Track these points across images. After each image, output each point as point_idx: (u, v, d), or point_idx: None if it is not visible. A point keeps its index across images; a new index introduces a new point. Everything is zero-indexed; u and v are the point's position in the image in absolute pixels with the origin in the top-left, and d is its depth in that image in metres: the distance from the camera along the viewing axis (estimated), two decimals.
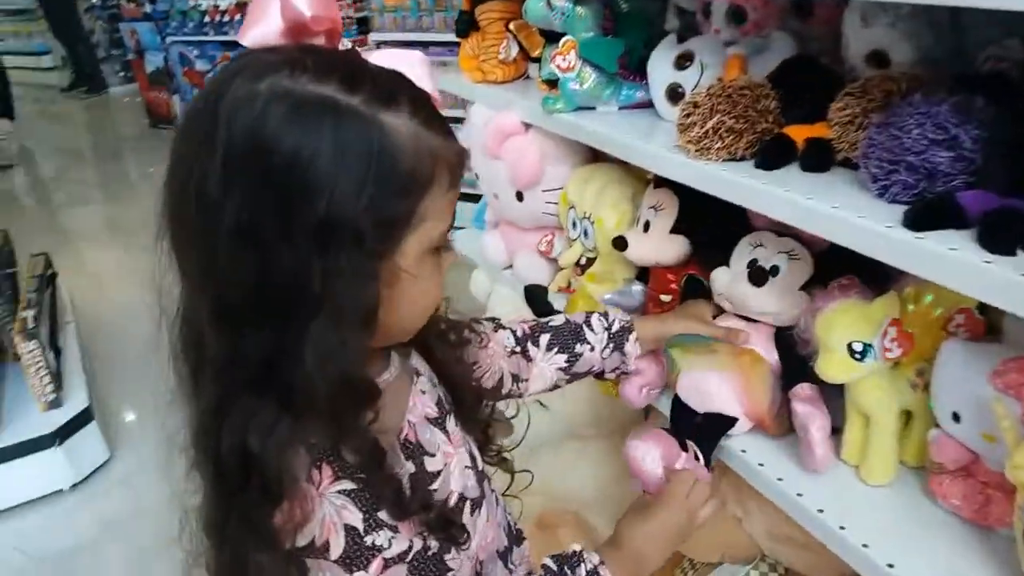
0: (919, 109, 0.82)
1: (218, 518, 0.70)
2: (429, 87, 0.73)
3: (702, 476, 0.99)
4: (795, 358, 1.02)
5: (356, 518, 0.70)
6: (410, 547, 0.73)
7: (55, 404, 2.41)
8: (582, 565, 0.85)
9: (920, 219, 0.76)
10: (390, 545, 0.71)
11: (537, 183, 1.45)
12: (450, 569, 0.77)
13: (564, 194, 1.42)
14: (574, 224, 1.39)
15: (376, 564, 0.71)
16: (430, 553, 0.75)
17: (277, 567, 0.68)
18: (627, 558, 0.89)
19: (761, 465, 1.03)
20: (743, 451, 1.05)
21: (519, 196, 1.48)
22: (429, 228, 0.70)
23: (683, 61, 1.17)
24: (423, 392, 0.85)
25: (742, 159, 1.00)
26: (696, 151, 1.01)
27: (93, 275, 3.86)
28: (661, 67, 1.20)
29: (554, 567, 0.85)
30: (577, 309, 1.25)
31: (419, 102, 0.69)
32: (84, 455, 2.40)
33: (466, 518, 0.84)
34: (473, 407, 0.94)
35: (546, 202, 1.46)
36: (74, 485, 2.39)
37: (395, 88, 0.68)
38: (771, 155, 0.97)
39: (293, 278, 0.64)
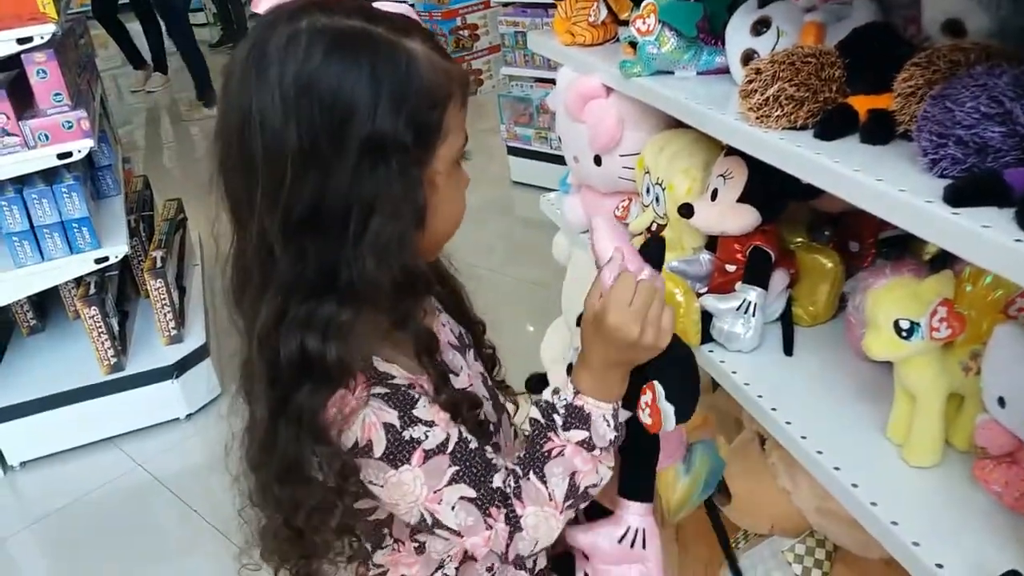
0: (977, 81, 0.79)
1: (268, 426, 0.78)
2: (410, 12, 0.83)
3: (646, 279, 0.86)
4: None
5: (392, 416, 0.78)
6: (448, 438, 0.79)
7: (176, 339, 2.62)
8: (560, 402, 0.85)
9: (961, 195, 0.74)
10: (427, 438, 0.78)
11: (615, 147, 1.46)
12: (494, 466, 0.82)
13: (641, 159, 1.42)
14: (647, 190, 1.40)
15: (417, 456, 0.78)
16: (472, 446, 0.81)
17: (331, 460, 0.77)
18: (595, 376, 0.85)
19: (804, 438, 1.02)
20: (788, 423, 1.05)
21: (597, 160, 1.50)
22: (452, 140, 0.80)
23: (760, 27, 1.15)
24: (444, 325, 0.93)
25: (803, 128, 0.99)
26: (756, 118, 1.00)
27: (223, 222, 4.11)
28: (738, 32, 1.18)
29: (541, 418, 0.85)
30: None
31: (426, 33, 0.80)
32: (198, 388, 2.61)
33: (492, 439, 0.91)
34: (477, 337, 1.01)
35: (623, 167, 1.47)
36: (188, 415, 2.60)
37: (406, 22, 0.79)
38: (830, 125, 0.95)
39: (350, 188, 0.73)
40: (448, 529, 0.81)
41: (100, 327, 2.43)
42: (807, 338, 1.23)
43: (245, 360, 0.82)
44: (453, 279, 1.00)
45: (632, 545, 0.95)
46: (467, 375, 0.91)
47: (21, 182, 2.28)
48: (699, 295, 1.25)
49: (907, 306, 0.91)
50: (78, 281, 2.52)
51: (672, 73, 1.30)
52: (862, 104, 0.95)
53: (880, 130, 0.92)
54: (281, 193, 0.73)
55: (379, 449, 0.77)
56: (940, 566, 0.82)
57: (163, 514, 2.32)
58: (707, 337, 1.24)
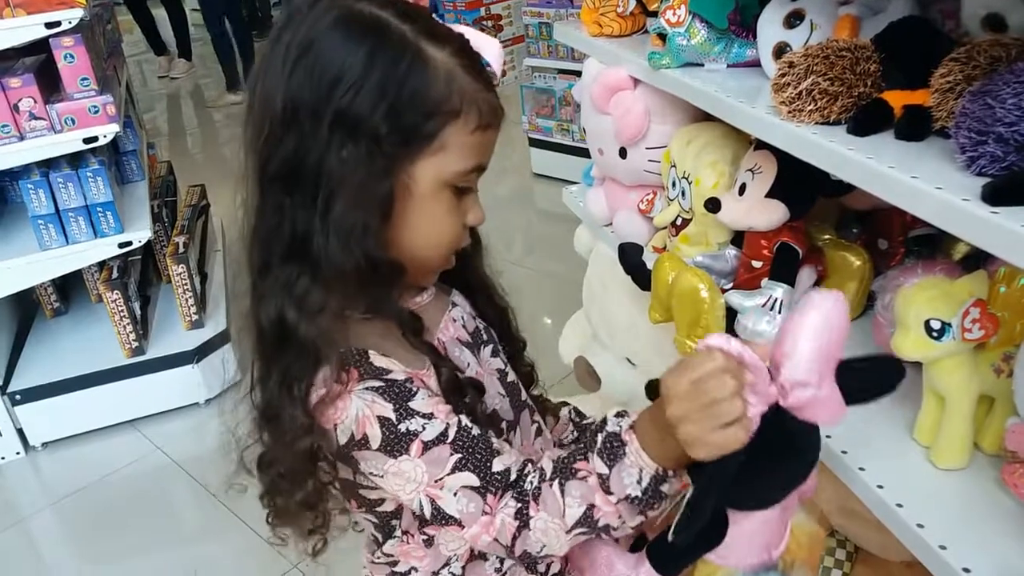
0: (1019, 77, 0.77)
1: (262, 373, 0.80)
2: (496, 67, 0.83)
3: (817, 414, 0.71)
4: None
5: (387, 409, 0.77)
6: (447, 428, 0.78)
7: (197, 324, 2.64)
8: (612, 426, 0.77)
9: (1000, 193, 0.73)
10: (424, 429, 0.77)
11: (641, 140, 1.45)
12: (497, 451, 0.79)
13: (667, 152, 1.41)
14: (673, 183, 1.39)
15: (416, 446, 0.77)
16: (474, 433, 0.79)
17: (304, 426, 0.77)
18: (655, 428, 0.74)
19: (828, 437, 1.01)
20: None
21: (623, 153, 1.49)
22: (449, 159, 0.78)
23: (793, 19, 1.14)
24: (455, 320, 0.91)
25: (836, 123, 0.97)
26: (788, 112, 0.99)
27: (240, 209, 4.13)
28: (770, 25, 1.17)
29: (589, 432, 0.80)
30: (664, 271, 1.26)
31: (468, 53, 0.79)
32: (218, 374, 2.62)
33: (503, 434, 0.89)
34: (516, 354, 1.00)
35: (649, 160, 1.46)
36: (208, 400, 2.61)
37: (449, 35, 0.78)
38: (864, 121, 0.94)
39: (320, 157, 0.74)
40: (449, 518, 0.78)
41: (122, 311, 2.45)
42: None
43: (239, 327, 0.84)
44: (498, 295, 1.00)
45: None
46: (475, 371, 0.89)
47: (47, 165, 2.29)
48: (724, 291, 1.24)
49: (938, 306, 0.89)
50: (101, 265, 2.53)
51: (702, 65, 1.29)
52: (897, 100, 0.94)
53: (916, 126, 0.90)
54: (259, 142, 0.76)
55: (375, 442, 0.77)
56: (967, 571, 0.81)
57: (181, 497, 2.34)
58: (731, 334, 1.22)
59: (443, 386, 0.82)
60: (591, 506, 0.75)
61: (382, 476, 0.79)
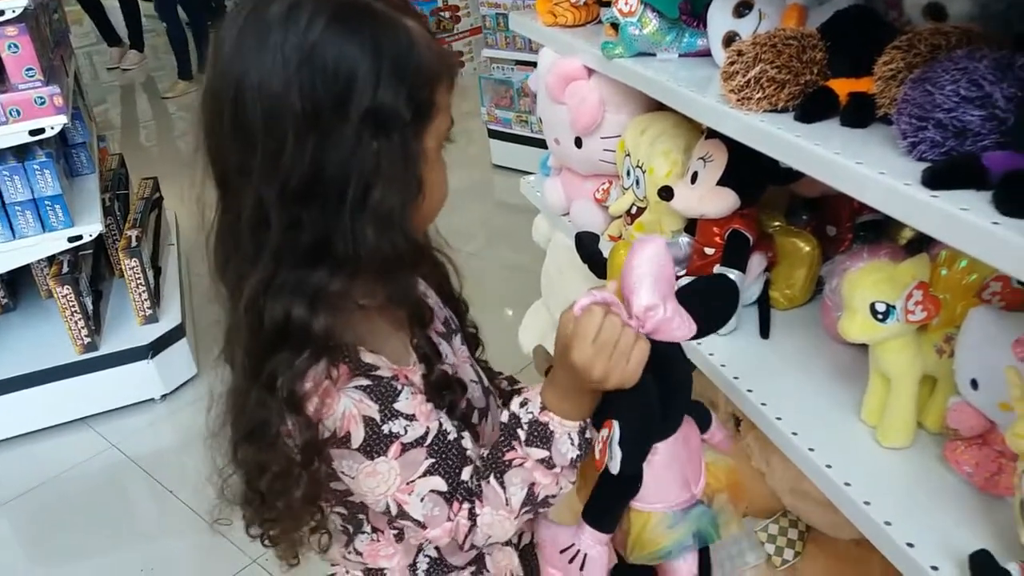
0: (957, 64, 0.79)
1: (243, 387, 0.78)
2: None
3: (670, 331, 0.80)
4: None
5: (373, 409, 0.77)
6: (427, 432, 0.79)
7: (151, 319, 2.59)
8: (526, 415, 0.82)
9: (939, 178, 0.75)
10: (406, 432, 0.78)
11: (596, 129, 1.46)
12: (468, 458, 0.82)
13: (622, 142, 1.42)
14: (628, 172, 1.40)
15: (394, 448, 0.78)
16: (450, 438, 0.81)
17: (302, 431, 0.76)
18: (562, 396, 0.82)
19: (779, 419, 1.03)
20: (763, 404, 1.06)
21: (578, 142, 1.49)
22: (442, 120, 0.80)
23: (742, 8, 1.15)
24: (431, 308, 0.90)
25: (784, 111, 0.99)
26: (737, 100, 1.00)
27: (199, 201, 4.07)
28: (720, 14, 1.18)
29: (507, 426, 0.83)
30: (619, 259, 1.27)
31: (419, 16, 0.80)
32: (174, 369, 2.58)
33: (476, 426, 0.90)
34: (460, 315, 1.01)
35: (604, 149, 1.47)
36: (163, 396, 2.57)
37: (404, 3, 0.80)
38: (811, 108, 0.96)
39: (350, 158, 0.73)
40: (412, 520, 0.81)
41: (73, 306, 2.40)
42: (784, 321, 1.24)
43: (229, 327, 0.81)
44: (438, 254, 0.98)
45: (571, 562, 0.91)
46: (452, 362, 0.90)
47: None
48: (678, 278, 1.25)
49: (883, 289, 0.91)
50: (51, 260, 2.48)
51: (654, 55, 1.29)
52: (843, 87, 0.96)
53: (860, 113, 0.92)
54: (280, 160, 0.73)
55: (356, 441, 0.77)
56: (911, 545, 0.83)
57: (137, 495, 2.30)
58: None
59: (431, 383, 0.82)
60: (532, 484, 0.81)
61: (354, 476, 0.79)
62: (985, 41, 0.84)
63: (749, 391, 1.08)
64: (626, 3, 1.26)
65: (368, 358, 0.78)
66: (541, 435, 0.81)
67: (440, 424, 0.81)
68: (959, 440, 0.90)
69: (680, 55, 1.29)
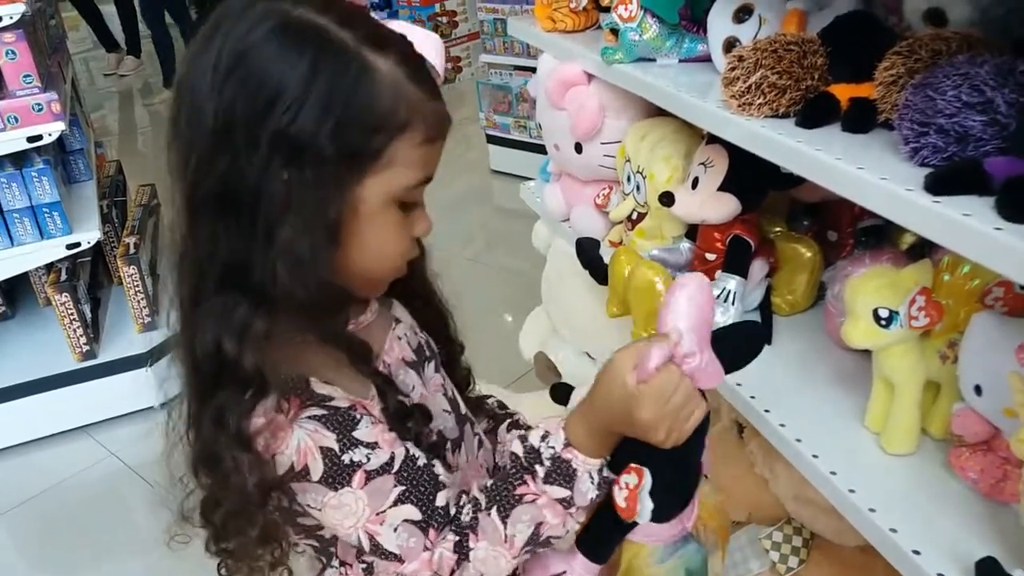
0: (959, 70, 0.79)
1: (197, 410, 0.75)
2: (437, 65, 0.77)
3: (703, 380, 0.78)
4: None
5: (330, 439, 0.73)
6: (392, 458, 0.75)
7: (150, 327, 2.58)
8: (548, 450, 0.78)
9: (941, 183, 0.75)
10: (368, 460, 0.74)
11: (596, 135, 1.45)
12: (441, 483, 0.78)
13: (622, 147, 1.42)
14: (628, 178, 1.40)
15: (359, 478, 0.73)
16: (420, 463, 0.77)
17: (252, 469, 0.72)
18: (593, 435, 0.78)
19: (783, 426, 1.03)
20: (767, 411, 1.06)
21: (578, 148, 1.49)
22: (396, 175, 0.73)
23: (742, 14, 1.15)
24: (400, 338, 0.87)
25: (785, 116, 0.99)
26: (738, 106, 1.00)
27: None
28: (720, 20, 1.18)
29: (522, 459, 0.78)
30: (620, 265, 1.26)
31: (411, 59, 0.73)
32: (173, 377, 2.57)
33: (447, 457, 0.86)
34: (454, 357, 0.98)
35: (604, 155, 1.47)
36: (163, 404, 2.55)
37: (391, 39, 0.73)
38: (812, 113, 0.96)
39: (258, 181, 0.69)
40: (389, 554, 0.76)
41: (72, 314, 2.39)
42: (786, 327, 1.24)
43: (172, 342, 0.78)
44: (438, 301, 0.95)
45: None
46: (420, 393, 0.86)
47: None
48: None
49: (886, 295, 0.91)
50: (49, 267, 2.47)
51: (654, 60, 1.29)
52: (844, 92, 0.96)
53: (861, 118, 0.92)
54: (193, 165, 0.70)
55: (316, 473, 0.73)
56: (917, 552, 0.83)
57: (137, 503, 2.29)
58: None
59: (389, 414, 0.78)
60: (540, 524, 0.77)
61: (320, 509, 0.76)
62: (985, 47, 0.84)
63: (752, 397, 1.08)
64: (626, 8, 1.26)
65: (322, 389, 0.75)
66: (564, 473, 0.76)
67: (407, 450, 0.77)
68: (964, 446, 0.90)
69: (680, 60, 1.29)
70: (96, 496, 2.31)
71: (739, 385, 1.11)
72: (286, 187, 0.69)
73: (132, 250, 2.54)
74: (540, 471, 0.77)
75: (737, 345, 0.84)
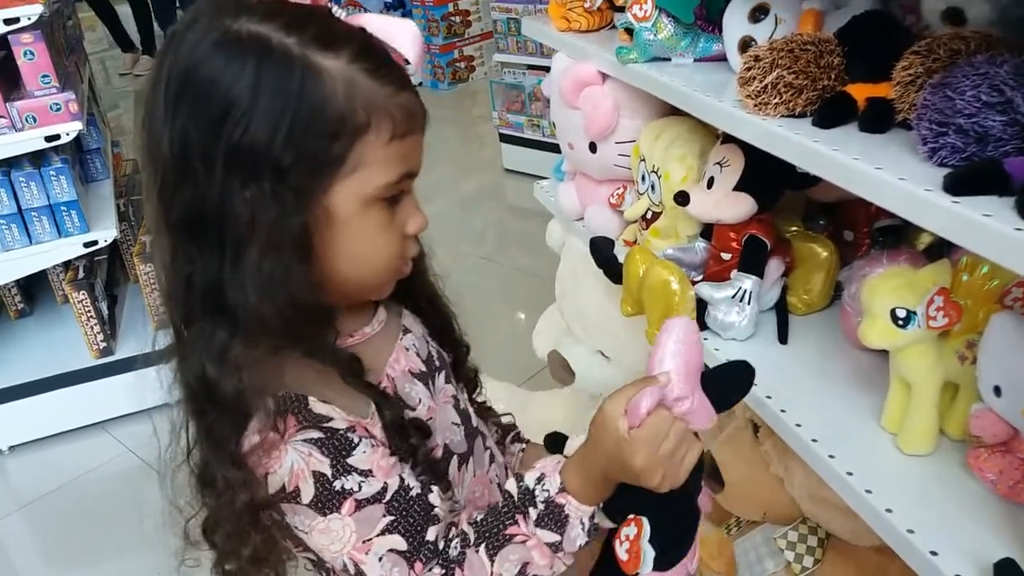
0: (978, 70, 0.78)
1: (197, 432, 0.75)
2: (412, 55, 0.75)
3: (695, 421, 0.78)
4: None
5: (324, 464, 0.72)
6: (385, 488, 0.74)
7: (166, 324, 2.60)
8: (542, 494, 0.78)
9: (961, 184, 0.74)
10: (360, 488, 0.73)
11: (611, 134, 1.45)
12: (434, 517, 0.77)
13: (636, 147, 1.42)
14: (643, 177, 1.40)
15: (348, 505, 0.73)
16: (412, 494, 0.75)
17: (242, 488, 0.72)
18: (588, 482, 0.78)
19: (799, 426, 1.03)
20: (782, 411, 1.05)
21: (592, 147, 1.49)
22: (369, 176, 0.71)
23: (758, 13, 1.15)
24: (407, 349, 0.86)
25: (801, 116, 0.98)
26: (755, 106, 1.00)
27: None
28: (736, 19, 1.18)
29: (516, 498, 0.78)
30: (635, 264, 1.26)
31: (368, 53, 0.71)
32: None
33: (452, 471, 0.86)
34: (460, 359, 0.97)
35: (619, 154, 1.47)
36: (179, 400, 2.57)
37: (342, 36, 0.70)
38: (829, 113, 0.95)
39: (221, 203, 0.68)
40: None
41: (89, 311, 2.42)
42: (801, 326, 1.23)
43: (170, 352, 0.77)
44: (442, 302, 0.95)
45: None
46: (427, 406, 0.85)
47: (8, 164, 2.25)
48: (694, 283, 1.25)
49: (904, 295, 0.91)
50: (67, 265, 2.49)
51: (669, 60, 1.29)
52: (861, 92, 0.95)
53: (879, 118, 0.92)
54: (155, 189, 0.70)
55: (307, 497, 0.73)
56: (935, 553, 0.83)
57: (153, 499, 2.31)
58: (702, 325, 1.24)
59: (387, 429, 0.77)
60: (527, 564, 0.77)
61: (308, 532, 0.75)
62: (1005, 46, 0.84)
63: (768, 397, 1.08)
64: (641, 8, 1.26)
65: (320, 408, 0.73)
66: (556, 518, 0.76)
67: (402, 480, 0.75)
68: (982, 447, 0.90)
69: (695, 60, 1.29)
70: (113, 492, 2.33)
71: (755, 385, 1.11)
72: (249, 205, 0.68)
73: (148, 248, 2.56)
74: (533, 513, 0.77)
75: (726, 384, 0.84)
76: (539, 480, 0.78)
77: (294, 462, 0.72)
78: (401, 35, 0.74)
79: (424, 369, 0.87)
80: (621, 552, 0.78)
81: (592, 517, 0.78)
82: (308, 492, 0.72)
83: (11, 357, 2.55)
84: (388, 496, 0.74)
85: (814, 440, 1.00)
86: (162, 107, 0.68)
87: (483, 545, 0.76)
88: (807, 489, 1.17)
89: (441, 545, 0.76)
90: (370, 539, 0.74)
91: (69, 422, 2.51)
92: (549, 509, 0.76)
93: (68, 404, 2.47)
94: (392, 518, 0.74)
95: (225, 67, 0.67)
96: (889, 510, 0.88)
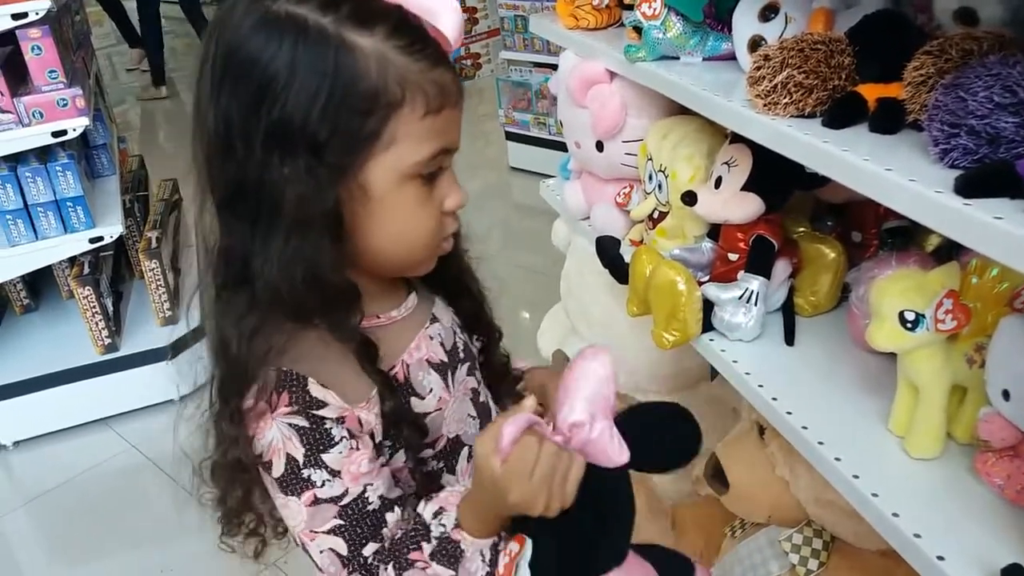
0: (991, 71, 0.78)
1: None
2: (451, 31, 0.76)
3: (597, 454, 0.74)
4: None
5: (298, 452, 0.75)
6: (345, 493, 0.76)
7: (171, 320, 2.61)
8: (437, 528, 0.79)
9: (972, 185, 0.74)
10: (323, 485, 0.75)
11: (618, 133, 1.45)
12: (380, 536, 0.78)
13: (643, 146, 1.41)
14: (650, 177, 1.39)
15: (307, 496, 0.75)
16: (368, 508, 0.77)
17: (233, 443, 0.76)
18: (481, 519, 0.78)
19: (805, 428, 1.02)
20: (788, 413, 1.05)
21: (599, 146, 1.48)
22: (404, 152, 0.73)
23: (768, 12, 1.14)
24: (431, 338, 0.87)
25: (811, 116, 0.98)
26: (764, 106, 0.99)
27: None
28: (745, 18, 1.17)
29: (419, 526, 0.79)
30: (641, 264, 1.26)
31: (403, 30, 0.72)
32: (193, 370, 2.59)
33: (462, 463, 0.88)
34: (492, 344, 0.98)
35: (626, 153, 1.46)
36: (183, 397, 2.58)
37: (378, 14, 0.72)
38: (839, 113, 0.94)
39: (259, 177, 0.71)
40: (313, 561, 0.79)
41: (94, 307, 2.42)
42: (808, 328, 1.23)
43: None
44: (477, 285, 0.96)
45: None
46: (438, 396, 0.85)
47: (15, 160, 2.26)
48: (701, 284, 1.24)
49: (912, 297, 0.90)
50: (72, 261, 2.50)
51: (677, 59, 1.29)
52: (871, 92, 0.95)
53: (889, 119, 0.91)
54: (207, 170, 0.74)
55: (276, 471, 0.76)
56: (941, 558, 0.82)
57: (157, 496, 2.31)
58: (708, 326, 1.23)
59: (383, 416, 0.79)
60: None
61: (273, 500, 0.80)
62: (1017, 47, 0.83)
63: (774, 399, 1.07)
64: (650, 7, 1.25)
65: (317, 392, 0.75)
66: (450, 554, 0.76)
67: (363, 491, 0.77)
68: (990, 452, 0.89)
69: (704, 59, 1.28)
70: (116, 488, 2.33)
71: (761, 387, 1.11)
72: (285, 181, 0.70)
73: (154, 244, 2.57)
74: (427, 548, 0.77)
75: (659, 434, 0.81)
76: (436, 514, 0.79)
77: (274, 438, 0.75)
78: (442, 10, 0.75)
79: (445, 359, 0.88)
80: (501, 566, 0.77)
81: (495, 546, 0.78)
82: (279, 468, 0.76)
83: (16, 353, 2.56)
84: (345, 501, 0.76)
85: (820, 442, 0.99)
86: (208, 86, 0.72)
87: (391, 564, 0.78)
88: (813, 491, 1.16)
89: (372, 561, 0.78)
90: (316, 531, 0.77)
91: (73, 418, 2.52)
92: (442, 545, 0.77)
93: (73, 400, 2.48)
94: (341, 522, 0.77)
95: (264, 47, 0.69)
96: (896, 514, 0.87)
